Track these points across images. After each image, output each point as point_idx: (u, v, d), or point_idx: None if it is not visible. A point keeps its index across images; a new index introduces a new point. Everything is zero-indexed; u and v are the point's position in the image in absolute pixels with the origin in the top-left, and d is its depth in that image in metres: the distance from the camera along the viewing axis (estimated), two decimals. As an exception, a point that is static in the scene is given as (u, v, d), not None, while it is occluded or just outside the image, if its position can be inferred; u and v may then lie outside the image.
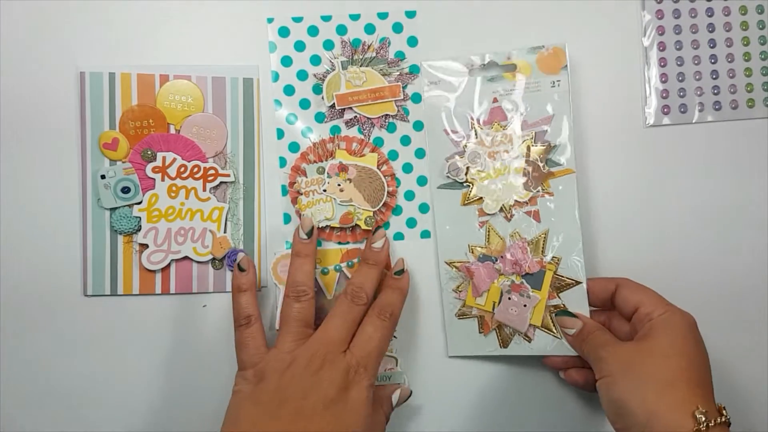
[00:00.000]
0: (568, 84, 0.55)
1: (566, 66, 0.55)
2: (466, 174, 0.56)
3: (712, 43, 0.59)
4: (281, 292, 0.55)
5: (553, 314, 0.55)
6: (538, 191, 0.55)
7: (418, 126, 0.58)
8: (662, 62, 0.59)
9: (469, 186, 0.56)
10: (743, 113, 0.59)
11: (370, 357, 0.49)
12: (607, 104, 0.59)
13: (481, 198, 0.56)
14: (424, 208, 0.58)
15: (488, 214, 0.56)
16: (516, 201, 0.56)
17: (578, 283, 0.55)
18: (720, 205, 0.59)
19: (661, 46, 0.59)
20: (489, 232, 0.56)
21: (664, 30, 0.59)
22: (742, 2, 0.59)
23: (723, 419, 0.44)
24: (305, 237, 0.53)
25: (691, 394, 0.44)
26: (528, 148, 0.55)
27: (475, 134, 0.56)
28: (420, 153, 0.58)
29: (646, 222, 0.58)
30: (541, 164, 0.55)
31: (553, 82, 0.56)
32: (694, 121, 0.59)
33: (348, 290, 0.51)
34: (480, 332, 0.56)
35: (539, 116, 0.56)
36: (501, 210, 0.56)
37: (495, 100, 0.56)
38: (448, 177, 0.57)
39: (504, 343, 0.56)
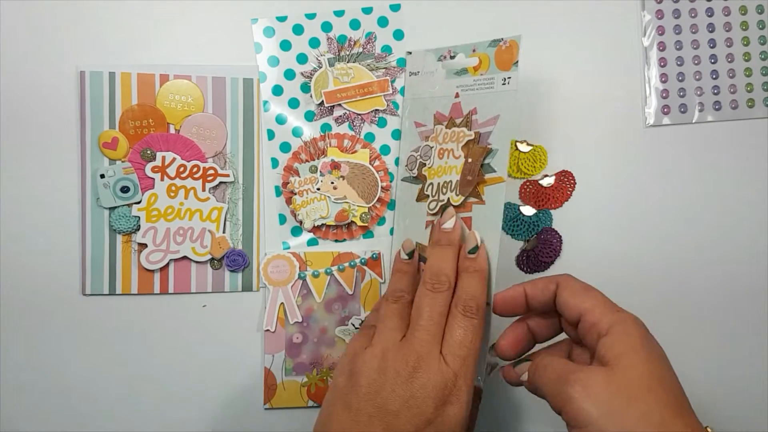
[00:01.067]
0: (517, 82, 0.48)
1: (517, 62, 0.48)
2: (419, 169, 0.55)
3: (712, 43, 0.59)
4: (271, 293, 0.56)
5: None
6: (469, 197, 0.50)
7: None
8: (662, 62, 0.59)
9: (421, 182, 0.54)
10: (743, 113, 0.59)
11: (467, 364, 0.43)
12: (607, 104, 0.58)
13: (427, 196, 0.53)
14: (423, 208, 0.58)
15: (432, 214, 0.53)
16: (450, 204, 0.51)
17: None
18: (720, 205, 0.58)
19: (661, 46, 0.59)
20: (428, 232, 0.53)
21: (664, 30, 0.59)
22: (742, 2, 0.59)
23: None
24: (406, 257, 0.50)
25: (684, 425, 0.38)
26: (468, 149, 0.50)
27: (436, 129, 0.54)
28: (412, 147, 0.58)
29: (645, 222, 0.58)
30: (476, 168, 0.49)
31: (504, 79, 0.49)
32: (694, 121, 0.59)
33: (426, 279, 0.46)
34: None
35: (488, 115, 0.50)
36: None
37: (457, 95, 0.53)
38: (407, 170, 0.56)
39: None
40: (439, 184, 0.52)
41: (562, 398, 0.39)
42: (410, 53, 0.57)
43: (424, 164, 0.54)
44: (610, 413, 0.37)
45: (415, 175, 0.55)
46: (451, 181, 0.51)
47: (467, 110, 0.51)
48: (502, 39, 0.50)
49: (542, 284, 0.45)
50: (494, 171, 0.49)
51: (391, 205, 0.58)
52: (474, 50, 0.52)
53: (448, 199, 0.51)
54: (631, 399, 0.38)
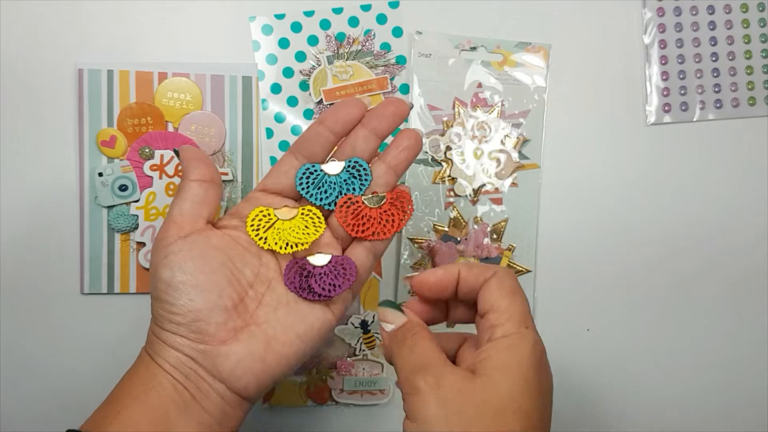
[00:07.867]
0: (547, 82, 0.57)
1: (548, 66, 0.57)
2: (445, 153, 0.57)
3: (714, 41, 0.59)
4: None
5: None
6: (506, 180, 0.57)
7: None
8: (663, 60, 0.58)
9: (443, 165, 0.57)
10: (744, 111, 0.58)
11: None
12: (608, 102, 0.58)
13: (454, 179, 0.57)
14: (423, 206, 0.58)
15: (458, 195, 0.57)
16: (484, 187, 0.57)
17: (528, 271, 0.57)
18: (721, 204, 0.58)
19: (662, 44, 0.58)
20: (454, 213, 0.57)
21: (665, 28, 0.59)
22: (743, 0, 0.59)
23: None
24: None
25: None
26: (504, 138, 0.57)
27: (457, 115, 0.57)
28: (411, 144, 0.58)
29: (646, 220, 0.58)
30: (513, 155, 0.57)
31: (534, 79, 0.57)
32: (695, 120, 0.58)
33: None
34: None
35: (517, 109, 0.58)
36: (470, 193, 0.57)
37: (479, 86, 0.58)
38: (425, 153, 0.57)
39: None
40: (471, 168, 0.57)
41: (411, 385, 0.35)
42: (420, 33, 0.57)
43: (450, 148, 0.57)
44: (447, 420, 0.33)
45: (438, 159, 0.57)
46: (486, 167, 0.57)
47: (494, 101, 0.58)
48: (530, 43, 0.57)
49: (478, 270, 0.39)
50: (527, 158, 0.57)
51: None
52: (498, 47, 0.57)
53: (485, 182, 0.57)
54: (476, 413, 0.33)
